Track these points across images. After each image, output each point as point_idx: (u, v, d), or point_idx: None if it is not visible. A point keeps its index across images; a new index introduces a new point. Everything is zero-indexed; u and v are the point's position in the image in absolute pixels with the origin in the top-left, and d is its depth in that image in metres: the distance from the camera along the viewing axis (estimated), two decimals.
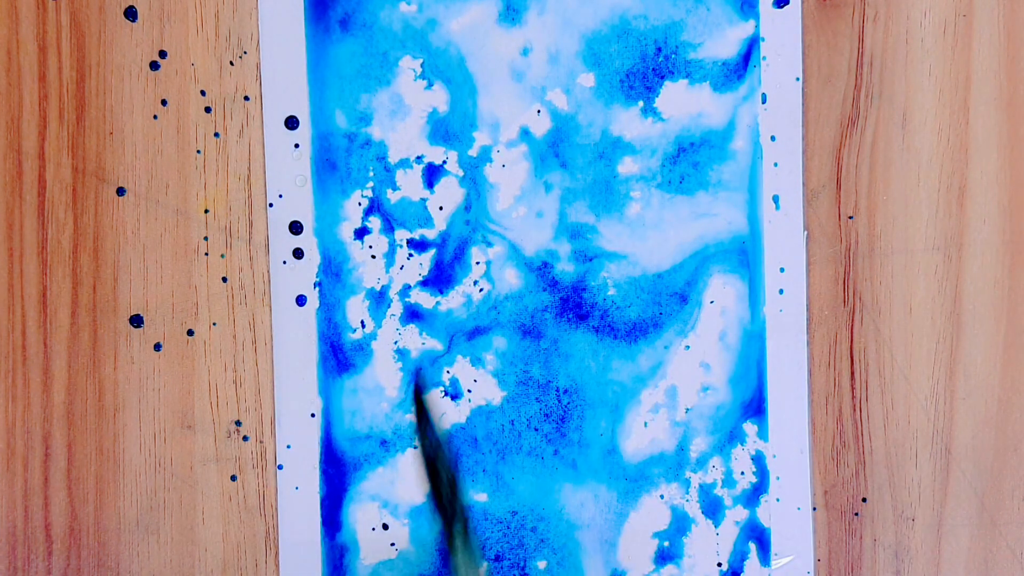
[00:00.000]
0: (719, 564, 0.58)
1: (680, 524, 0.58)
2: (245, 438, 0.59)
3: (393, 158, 0.58)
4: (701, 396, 0.58)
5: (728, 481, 0.58)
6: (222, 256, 0.59)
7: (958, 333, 0.58)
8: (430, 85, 0.58)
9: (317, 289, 0.58)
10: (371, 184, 0.58)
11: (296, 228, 0.58)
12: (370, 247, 0.58)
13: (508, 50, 0.58)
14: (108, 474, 0.59)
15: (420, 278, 0.59)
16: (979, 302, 0.58)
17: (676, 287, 0.58)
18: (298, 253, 0.58)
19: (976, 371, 0.58)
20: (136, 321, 0.59)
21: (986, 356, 0.58)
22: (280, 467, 0.59)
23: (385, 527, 0.59)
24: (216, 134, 0.59)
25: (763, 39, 0.57)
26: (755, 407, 0.58)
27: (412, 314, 0.59)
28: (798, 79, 0.57)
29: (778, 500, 0.58)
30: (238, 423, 0.59)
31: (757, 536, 0.58)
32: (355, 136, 0.58)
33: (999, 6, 0.57)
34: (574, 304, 0.58)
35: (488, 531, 0.59)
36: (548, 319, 0.58)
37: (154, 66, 0.59)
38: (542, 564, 0.59)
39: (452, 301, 0.59)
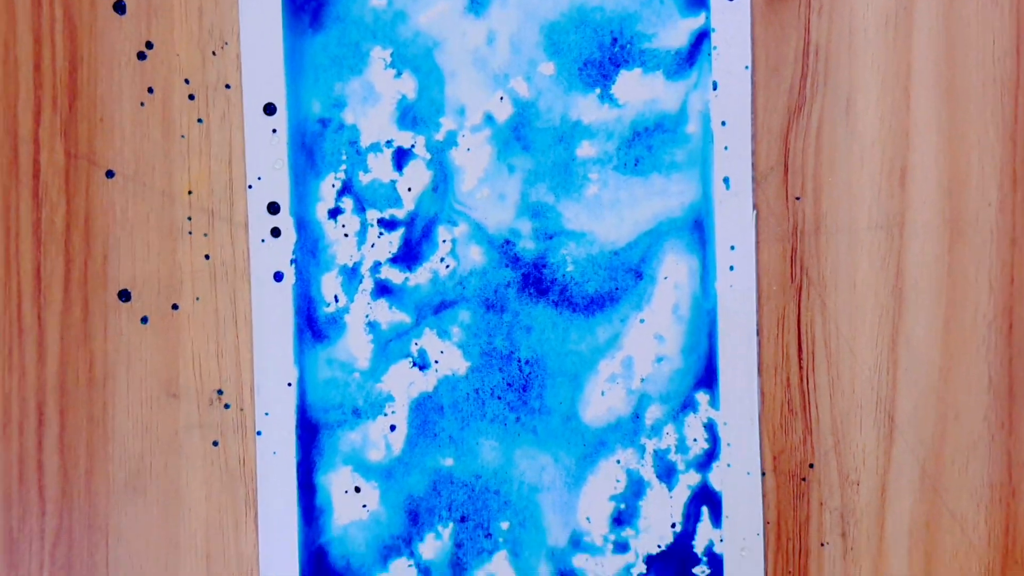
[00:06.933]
0: (673, 525, 0.60)
1: (636, 488, 0.60)
2: (226, 406, 0.60)
3: (364, 142, 0.60)
4: (656, 367, 0.59)
5: (681, 447, 0.59)
6: (205, 235, 0.60)
7: (900, 307, 0.58)
8: (399, 74, 0.60)
9: (293, 266, 0.60)
10: (344, 167, 0.60)
11: (274, 208, 0.60)
12: (343, 226, 0.60)
13: (473, 40, 0.60)
14: (98, 440, 0.60)
15: (390, 255, 0.60)
16: (920, 278, 0.58)
17: (632, 263, 0.59)
18: (276, 232, 0.60)
19: (917, 343, 0.58)
20: (124, 296, 0.60)
21: (927, 329, 0.58)
22: (259, 433, 0.60)
23: (357, 490, 0.61)
24: (199, 120, 0.60)
25: (714, 30, 0.58)
26: (707, 377, 0.59)
27: (382, 289, 0.60)
28: (747, 68, 0.58)
29: (729, 465, 0.59)
30: (220, 392, 0.60)
31: (709, 499, 0.59)
32: (329, 122, 0.60)
33: None
34: (535, 280, 0.60)
35: (454, 493, 0.61)
36: (510, 294, 0.60)
37: (141, 56, 0.60)
38: (505, 525, 0.60)
39: (420, 277, 0.60)
